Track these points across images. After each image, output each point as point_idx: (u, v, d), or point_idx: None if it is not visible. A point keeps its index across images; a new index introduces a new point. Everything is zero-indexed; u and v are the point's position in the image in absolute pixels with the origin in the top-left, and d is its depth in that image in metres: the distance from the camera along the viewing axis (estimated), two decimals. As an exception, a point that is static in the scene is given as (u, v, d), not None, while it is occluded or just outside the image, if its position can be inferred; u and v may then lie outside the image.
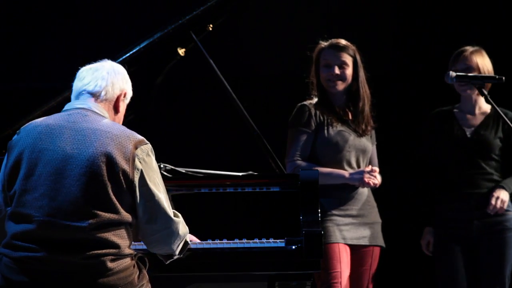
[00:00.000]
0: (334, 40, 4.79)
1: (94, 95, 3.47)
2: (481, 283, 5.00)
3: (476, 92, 4.92)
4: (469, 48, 5.01)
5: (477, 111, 5.04)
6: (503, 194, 4.89)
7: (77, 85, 3.51)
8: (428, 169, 5.09)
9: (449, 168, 5.01)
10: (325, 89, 4.76)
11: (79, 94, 3.49)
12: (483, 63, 4.96)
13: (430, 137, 5.09)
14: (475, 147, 4.97)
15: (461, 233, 4.97)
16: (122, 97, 3.53)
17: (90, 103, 3.45)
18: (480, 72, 4.91)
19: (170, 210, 3.43)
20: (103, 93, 3.48)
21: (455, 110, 5.08)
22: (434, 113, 5.13)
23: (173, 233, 3.43)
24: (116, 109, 3.52)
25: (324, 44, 4.79)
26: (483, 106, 5.05)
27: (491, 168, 4.97)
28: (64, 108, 3.49)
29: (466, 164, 4.97)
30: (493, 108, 4.82)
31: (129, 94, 3.59)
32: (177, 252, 3.51)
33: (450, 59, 5.04)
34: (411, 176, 5.18)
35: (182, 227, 3.48)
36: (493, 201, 4.87)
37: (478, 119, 5.03)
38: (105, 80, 3.49)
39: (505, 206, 4.90)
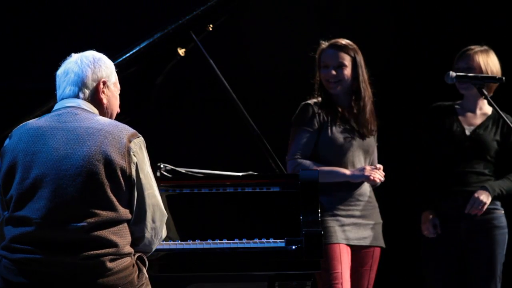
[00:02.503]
0: (334, 40, 4.77)
1: (76, 97, 3.44)
2: (472, 284, 4.94)
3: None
4: (475, 48, 4.94)
5: (478, 111, 4.99)
6: (483, 196, 4.83)
7: (57, 93, 3.49)
8: (424, 162, 5.03)
9: (443, 163, 4.96)
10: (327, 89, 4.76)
11: (62, 100, 3.46)
12: (487, 63, 4.89)
13: (428, 130, 5.03)
14: (472, 146, 4.92)
15: (449, 231, 4.92)
16: (101, 87, 3.45)
17: (79, 100, 3.42)
18: (482, 73, 4.83)
19: (162, 204, 3.42)
20: (81, 95, 3.43)
21: (456, 106, 5.02)
22: (433, 106, 5.05)
23: (158, 232, 3.43)
24: (99, 102, 3.45)
25: (324, 44, 4.78)
26: (485, 107, 4.99)
27: (484, 169, 4.92)
28: (54, 108, 3.46)
29: (460, 161, 4.92)
30: (494, 110, 4.78)
31: (111, 79, 3.49)
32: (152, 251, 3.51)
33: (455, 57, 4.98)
34: (410, 172, 5.14)
35: (164, 229, 3.48)
36: (471, 202, 4.83)
37: (478, 119, 4.98)
38: (76, 83, 3.43)
39: (484, 208, 4.83)
